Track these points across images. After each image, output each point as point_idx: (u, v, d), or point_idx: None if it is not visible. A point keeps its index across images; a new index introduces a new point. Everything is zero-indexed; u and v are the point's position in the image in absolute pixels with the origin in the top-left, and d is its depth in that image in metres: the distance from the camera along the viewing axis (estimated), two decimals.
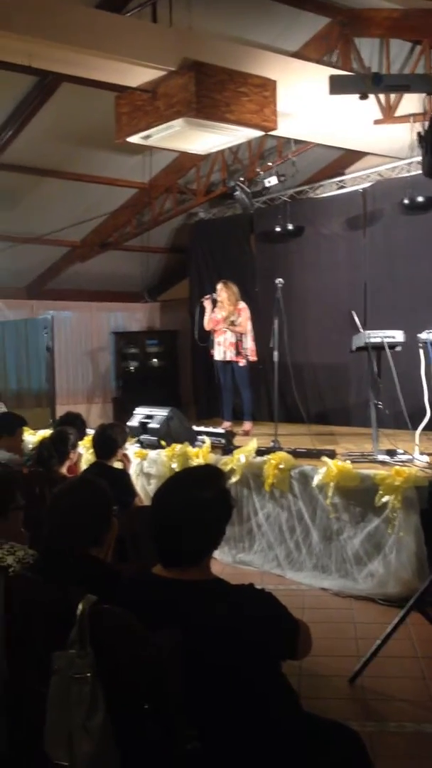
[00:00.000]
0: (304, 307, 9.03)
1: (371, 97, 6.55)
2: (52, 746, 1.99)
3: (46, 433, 6.87)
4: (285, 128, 7.19)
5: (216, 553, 2.26)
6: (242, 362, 7.87)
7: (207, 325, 7.97)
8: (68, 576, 2.28)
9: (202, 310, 7.95)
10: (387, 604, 4.79)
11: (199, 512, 2.11)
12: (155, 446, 6.78)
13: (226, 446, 6.45)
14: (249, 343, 7.88)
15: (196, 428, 7.16)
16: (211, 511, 2.14)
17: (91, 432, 6.31)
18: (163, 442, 6.66)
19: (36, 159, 8.48)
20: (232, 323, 7.83)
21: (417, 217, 7.99)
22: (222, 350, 7.93)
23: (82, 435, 5.43)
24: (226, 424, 7.99)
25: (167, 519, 2.13)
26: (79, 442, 5.42)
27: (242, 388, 8.02)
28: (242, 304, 7.91)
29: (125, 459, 5.29)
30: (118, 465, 5.16)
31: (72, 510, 2.55)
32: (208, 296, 8.01)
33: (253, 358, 7.92)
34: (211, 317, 7.91)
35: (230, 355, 7.88)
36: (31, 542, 3.08)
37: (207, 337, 8.07)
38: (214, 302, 7.92)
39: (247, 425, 8.05)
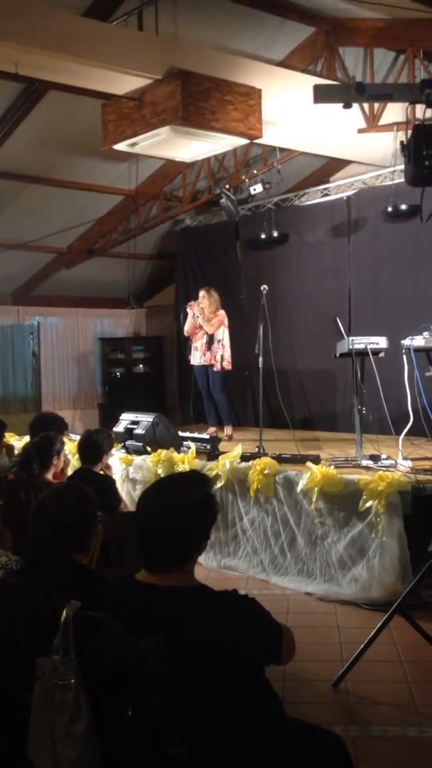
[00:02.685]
0: (289, 313, 9.07)
1: (355, 106, 6.63)
2: (35, 752, 1.99)
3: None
4: (270, 136, 7.25)
5: (201, 558, 2.27)
6: (217, 367, 7.89)
7: (186, 331, 8.00)
8: (53, 582, 2.28)
9: (185, 315, 7.98)
10: (371, 609, 4.82)
11: (184, 515, 2.12)
12: (141, 452, 6.78)
13: (211, 452, 6.47)
14: (221, 350, 7.87)
15: (181, 434, 7.16)
16: (195, 514, 2.15)
17: (75, 437, 6.31)
18: (148, 448, 6.66)
19: (23, 166, 8.48)
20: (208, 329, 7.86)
21: (400, 224, 8.06)
22: (199, 355, 7.97)
23: (62, 432, 5.41)
24: (211, 429, 8.02)
25: (152, 522, 2.13)
26: (65, 447, 5.39)
27: (215, 393, 8.01)
28: (221, 312, 7.93)
29: (107, 470, 5.26)
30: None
31: (57, 515, 2.55)
32: (193, 302, 8.04)
33: (227, 367, 7.93)
34: (191, 323, 7.94)
35: (206, 360, 7.91)
36: (15, 548, 3.08)
37: (188, 343, 8.11)
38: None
39: (228, 429, 8.08)
